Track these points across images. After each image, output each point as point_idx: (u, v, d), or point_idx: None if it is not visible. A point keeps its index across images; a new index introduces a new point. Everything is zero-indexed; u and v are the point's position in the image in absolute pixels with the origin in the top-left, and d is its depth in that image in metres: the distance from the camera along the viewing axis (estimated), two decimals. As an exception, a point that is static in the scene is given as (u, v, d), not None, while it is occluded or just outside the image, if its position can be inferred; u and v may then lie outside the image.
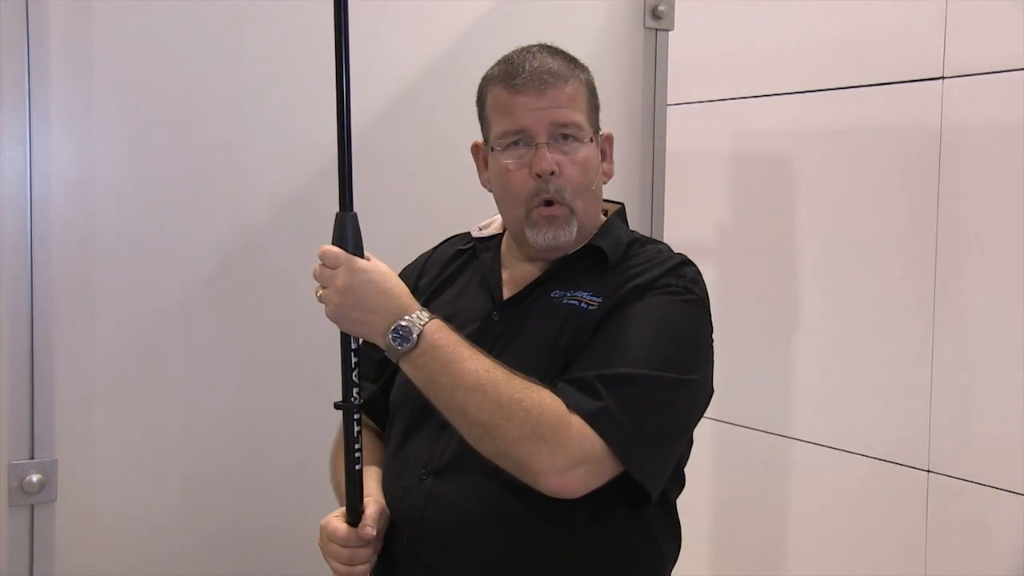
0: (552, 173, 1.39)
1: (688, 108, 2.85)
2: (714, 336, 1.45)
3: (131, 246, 1.70)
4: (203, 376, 1.77)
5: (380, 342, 1.28)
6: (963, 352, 2.28)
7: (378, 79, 1.89)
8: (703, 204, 2.86)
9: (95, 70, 1.66)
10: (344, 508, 1.37)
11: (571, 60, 1.46)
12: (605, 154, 1.50)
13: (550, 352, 1.38)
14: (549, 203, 1.41)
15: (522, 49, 1.45)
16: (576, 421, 1.26)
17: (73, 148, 1.65)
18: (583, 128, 1.42)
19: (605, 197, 1.54)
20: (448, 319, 1.32)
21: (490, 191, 1.50)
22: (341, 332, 1.32)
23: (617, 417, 1.28)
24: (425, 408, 1.34)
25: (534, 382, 1.28)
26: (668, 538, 1.47)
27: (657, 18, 2.15)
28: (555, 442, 1.25)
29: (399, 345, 1.27)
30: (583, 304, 1.39)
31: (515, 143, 1.41)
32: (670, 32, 2.18)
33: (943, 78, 2.30)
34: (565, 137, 1.41)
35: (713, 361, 1.44)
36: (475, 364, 1.27)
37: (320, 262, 1.30)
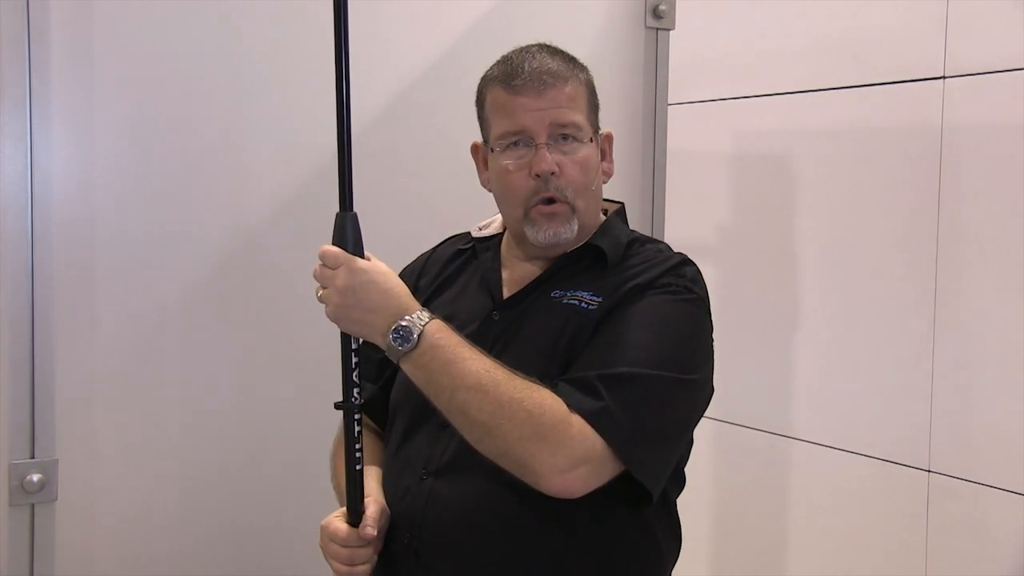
0: (552, 173, 1.39)
1: (688, 108, 2.85)
2: (714, 336, 1.45)
3: (131, 246, 1.70)
4: (203, 376, 1.77)
5: (380, 342, 1.28)
6: (963, 352, 2.28)
7: (378, 79, 1.89)
8: (703, 204, 2.86)
9: (96, 69, 1.66)
10: (344, 508, 1.37)
11: (570, 60, 1.45)
12: (605, 154, 1.50)
13: (550, 352, 1.38)
14: (550, 201, 1.41)
15: (521, 49, 1.45)
16: (577, 421, 1.26)
17: (73, 147, 1.65)
18: (583, 128, 1.42)
19: (605, 196, 1.54)
20: (448, 319, 1.32)
21: (490, 191, 1.50)
22: (341, 332, 1.32)
23: (618, 417, 1.28)
24: (425, 408, 1.34)
25: (535, 382, 1.28)
26: (668, 538, 1.47)
27: (658, 18, 2.15)
28: (556, 442, 1.25)
29: (399, 345, 1.27)
30: (583, 304, 1.39)
31: (515, 144, 1.41)
32: (671, 32, 2.18)
33: (944, 78, 2.30)
34: (565, 137, 1.41)
35: (713, 360, 1.44)
36: (476, 364, 1.27)
37: (320, 262, 1.30)
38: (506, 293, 1.47)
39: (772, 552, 2.72)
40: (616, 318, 1.37)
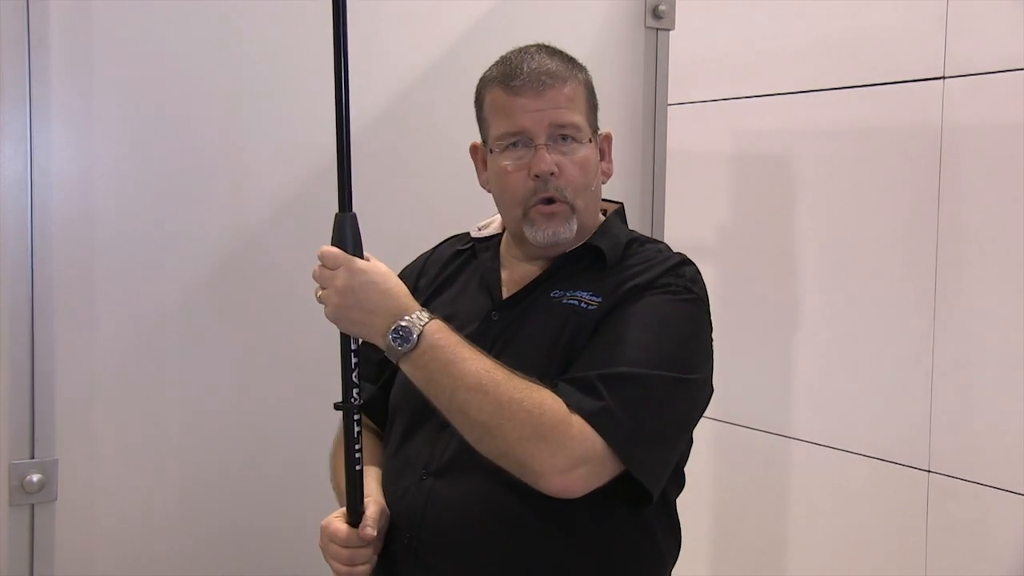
0: (552, 174, 1.39)
1: (688, 108, 2.85)
2: (714, 336, 1.45)
3: (131, 246, 1.70)
4: (203, 376, 1.77)
5: (380, 343, 1.29)
6: (963, 352, 2.28)
7: (378, 79, 1.89)
8: (703, 204, 2.86)
9: (95, 70, 1.66)
10: (344, 509, 1.37)
11: (569, 60, 1.45)
12: (604, 154, 1.50)
13: (550, 352, 1.38)
14: (549, 201, 1.41)
15: (520, 50, 1.45)
16: (577, 421, 1.26)
17: (73, 148, 1.65)
18: (582, 129, 1.42)
19: (605, 197, 1.54)
20: (448, 319, 1.32)
21: (489, 192, 1.50)
22: (341, 333, 1.32)
23: (618, 417, 1.28)
24: (425, 408, 1.34)
25: (534, 382, 1.28)
26: (668, 538, 1.47)
27: (658, 18, 2.15)
28: (556, 442, 1.25)
29: (399, 345, 1.27)
30: (583, 304, 1.39)
31: (514, 144, 1.41)
32: (671, 32, 2.18)
33: (944, 78, 2.30)
34: (564, 138, 1.41)
35: (713, 360, 1.44)
36: (476, 364, 1.27)
37: (320, 263, 1.30)
38: (505, 293, 1.47)
39: (772, 552, 2.72)
40: (616, 318, 1.37)
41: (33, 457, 1.61)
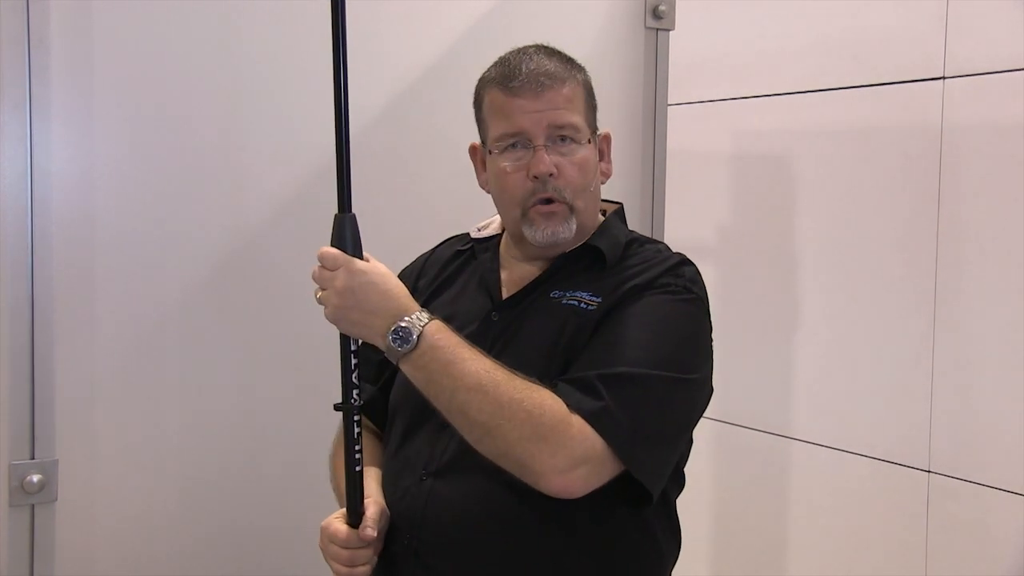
0: (551, 175, 1.39)
1: (688, 108, 2.85)
2: (714, 336, 1.45)
3: (131, 246, 1.70)
4: (203, 376, 1.77)
5: (380, 343, 1.28)
6: (963, 352, 2.28)
7: (377, 79, 1.89)
8: (703, 204, 2.86)
9: (95, 70, 1.66)
10: (344, 509, 1.37)
11: (568, 61, 1.45)
12: (603, 154, 1.50)
13: (549, 352, 1.38)
14: (548, 201, 1.41)
15: (518, 50, 1.45)
16: (577, 421, 1.26)
17: (73, 148, 1.65)
18: (580, 129, 1.42)
19: (605, 197, 1.54)
20: (447, 320, 1.32)
21: (488, 192, 1.50)
22: (340, 334, 1.32)
23: (617, 417, 1.28)
24: (425, 409, 1.34)
25: (534, 382, 1.28)
26: (668, 538, 1.47)
27: (658, 18, 2.15)
28: (556, 442, 1.25)
29: (399, 346, 1.27)
30: (582, 304, 1.39)
31: (513, 145, 1.41)
32: (671, 32, 2.18)
33: (944, 78, 2.30)
34: (563, 139, 1.41)
35: (712, 360, 1.44)
36: (475, 365, 1.27)
37: (319, 264, 1.30)
38: (505, 294, 1.47)
39: (772, 552, 2.72)
40: (615, 318, 1.37)
41: (33, 457, 1.61)
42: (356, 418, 1.34)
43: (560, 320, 1.39)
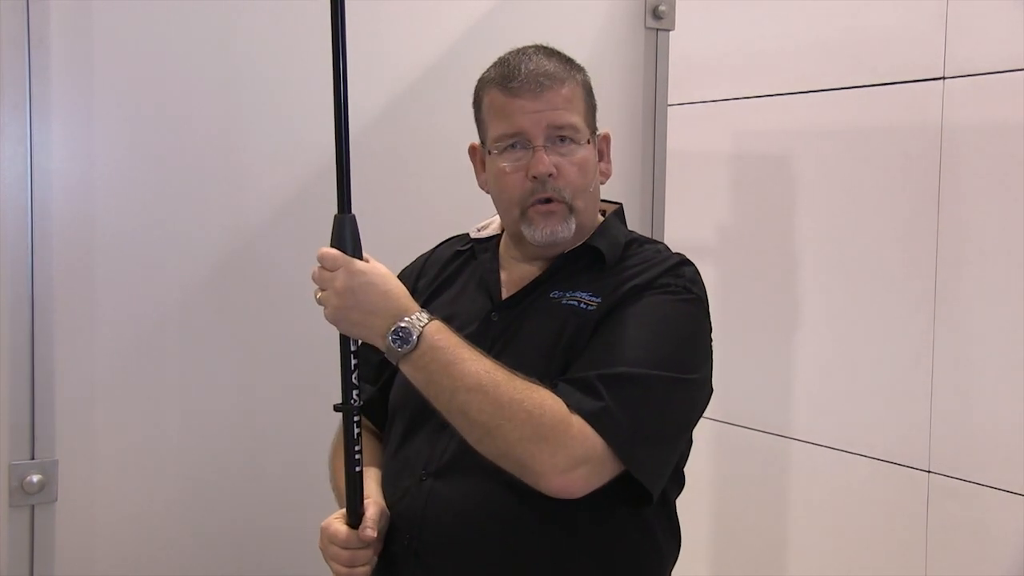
0: (550, 175, 1.39)
1: (688, 108, 2.85)
2: (714, 336, 1.45)
3: (131, 246, 1.70)
4: (203, 376, 1.77)
5: (380, 344, 1.28)
6: (963, 352, 2.28)
7: (377, 79, 1.89)
8: (703, 204, 2.86)
9: (95, 70, 1.66)
10: (344, 510, 1.37)
11: (567, 61, 1.45)
12: (603, 154, 1.50)
13: (549, 352, 1.38)
14: (547, 200, 1.41)
15: (518, 51, 1.45)
16: (577, 421, 1.27)
17: (73, 148, 1.65)
18: (580, 130, 1.42)
19: (605, 197, 1.54)
20: (447, 320, 1.32)
21: (487, 193, 1.50)
22: (340, 334, 1.32)
23: (617, 417, 1.28)
24: (425, 409, 1.34)
25: (534, 383, 1.28)
26: (668, 538, 1.47)
27: (658, 18, 2.15)
28: (556, 442, 1.25)
29: (399, 347, 1.27)
30: (582, 304, 1.39)
31: (512, 146, 1.41)
32: (671, 32, 2.18)
33: (944, 78, 2.30)
34: (562, 139, 1.41)
35: (712, 360, 1.44)
36: (476, 365, 1.27)
37: (319, 264, 1.30)
38: (505, 294, 1.47)
39: (772, 552, 2.72)
40: (615, 318, 1.37)
41: (33, 458, 1.61)
42: (356, 419, 1.34)
43: (560, 320, 1.39)
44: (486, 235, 1.56)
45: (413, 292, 1.38)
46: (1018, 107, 2.16)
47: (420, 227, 1.78)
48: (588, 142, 1.44)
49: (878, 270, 2.45)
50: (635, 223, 1.98)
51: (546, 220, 1.42)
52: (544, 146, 1.40)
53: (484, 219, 1.59)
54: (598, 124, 1.49)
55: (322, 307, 1.31)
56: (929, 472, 2.34)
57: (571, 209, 1.42)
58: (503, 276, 1.50)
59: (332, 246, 1.30)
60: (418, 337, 1.27)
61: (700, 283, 1.43)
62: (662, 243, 1.53)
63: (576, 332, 1.37)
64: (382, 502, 1.41)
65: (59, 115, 1.63)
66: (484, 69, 1.47)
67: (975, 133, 2.26)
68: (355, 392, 1.33)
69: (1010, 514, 2.18)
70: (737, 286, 2.77)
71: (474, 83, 1.48)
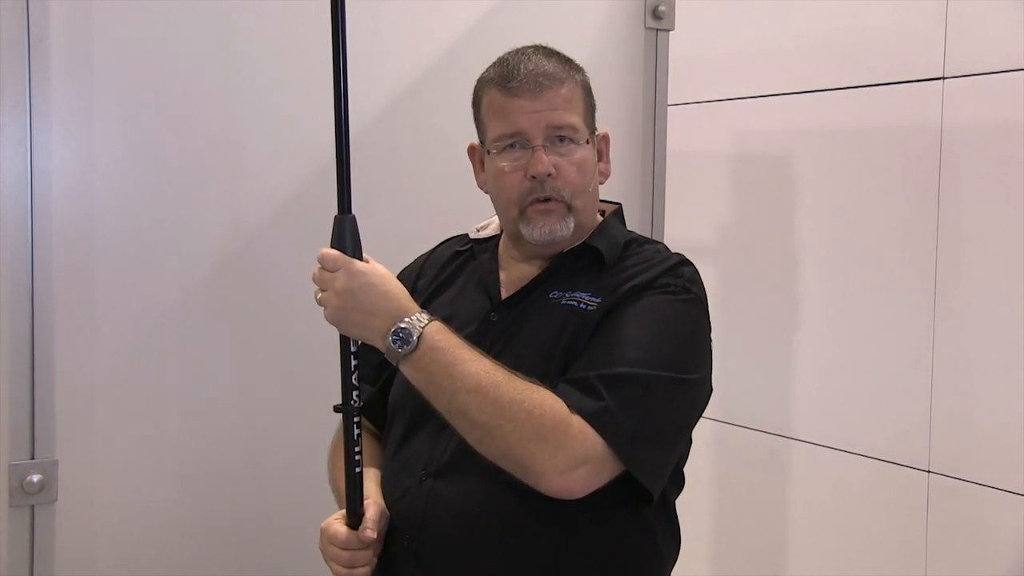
0: (549, 175, 1.39)
1: (688, 108, 2.85)
2: (714, 336, 1.45)
3: (131, 246, 1.70)
4: (203, 376, 1.77)
5: (380, 344, 1.28)
6: (963, 352, 2.28)
7: (377, 79, 1.89)
8: (703, 204, 2.86)
9: (95, 70, 1.66)
10: (344, 510, 1.37)
11: (566, 61, 1.45)
12: (602, 154, 1.50)
13: (549, 353, 1.38)
14: (546, 199, 1.41)
15: (517, 51, 1.45)
16: (577, 421, 1.27)
17: (73, 148, 1.65)
18: (579, 130, 1.42)
19: (605, 197, 1.54)
20: (446, 320, 1.32)
21: (487, 193, 1.50)
22: (340, 335, 1.32)
23: (618, 417, 1.28)
24: (425, 409, 1.34)
25: (534, 383, 1.28)
26: (668, 539, 1.47)
27: (657, 18, 2.15)
28: (556, 442, 1.25)
29: (399, 347, 1.27)
30: (582, 305, 1.39)
31: (511, 146, 1.41)
32: (670, 32, 2.18)
33: (944, 78, 2.30)
34: (561, 139, 1.41)
35: (712, 360, 1.44)
36: (476, 366, 1.27)
37: (319, 265, 1.30)
38: (504, 294, 1.47)
39: (772, 552, 2.72)
40: (615, 318, 1.37)
41: (33, 458, 1.61)
42: (356, 419, 1.34)
43: (560, 320, 1.39)
44: (485, 235, 1.56)
45: (412, 292, 1.38)
46: (1018, 107, 2.16)
47: (420, 227, 1.78)
48: (587, 142, 1.44)
49: (878, 270, 2.45)
50: (635, 223, 1.98)
51: (544, 219, 1.42)
52: (543, 146, 1.40)
53: (483, 219, 1.59)
54: (597, 124, 1.49)
55: (322, 308, 1.31)
56: (929, 472, 2.35)
57: (570, 208, 1.42)
58: (502, 276, 1.50)
59: (332, 247, 1.30)
60: (418, 338, 1.27)
61: (700, 283, 1.43)
62: (661, 243, 1.53)
63: (576, 332, 1.37)
64: (382, 503, 1.41)
65: (59, 115, 1.63)
66: (484, 69, 1.47)
67: (975, 133, 2.26)
68: (355, 393, 1.33)
69: (1010, 514, 2.19)
70: (737, 286, 2.77)
71: (474, 83, 1.48)
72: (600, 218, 1.52)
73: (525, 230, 1.43)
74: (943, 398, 2.31)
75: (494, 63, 1.46)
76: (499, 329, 1.43)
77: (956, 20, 2.28)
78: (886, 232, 2.43)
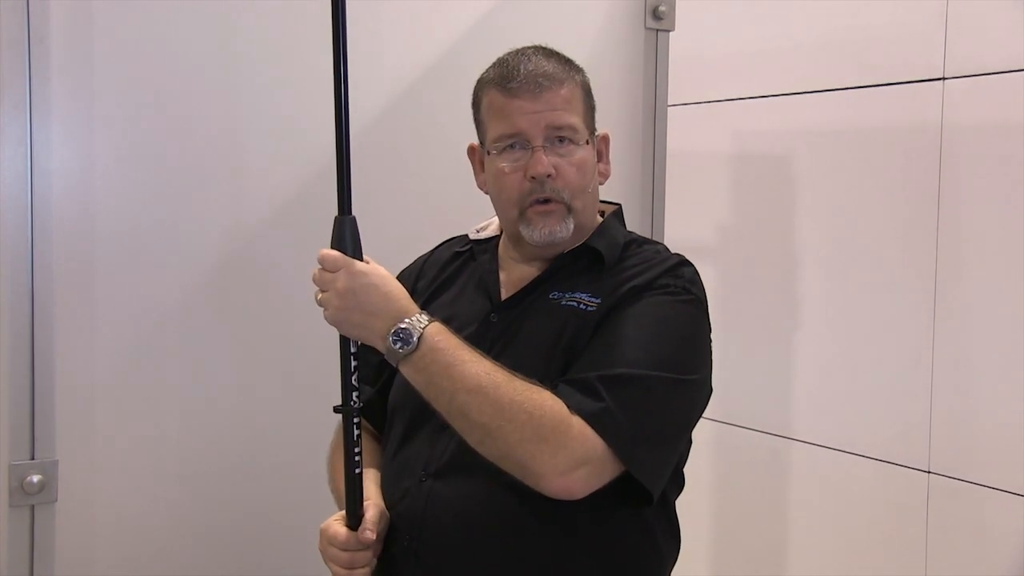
0: (549, 176, 1.39)
1: (688, 108, 2.85)
2: (714, 336, 1.45)
3: (131, 246, 1.70)
4: (203, 376, 1.77)
5: (380, 345, 1.28)
6: (963, 352, 2.28)
7: (377, 79, 1.88)
8: (703, 204, 2.86)
9: (96, 70, 1.66)
10: (344, 511, 1.37)
11: (566, 62, 1.45)
12: (601, 154, 1.50)
13: (549, 353, 1.38)
14: (546, 200, 1.41)
15: (517, 51, 1.45)
16: (577, 422, 1.27)
17: (73, 148, 1.65)
18: (579, 130, 1.42)
19: (605, 197, 1.54)
20: (446, 321, 1.33)
21: (486, 193, 1.50)
22: (340, 336, 1.32)
23: (617, 418, 1.28)
24: (424, 410, 1.34)
25: (534, 383, 1.29)
26: (668, 539, 1.47)
27: (658, 19, 2.15)
28: (556, 443, 1.25)
29: (399, 348, 1.27)
30: (582, 305, 1.39)
31: (511, 146, 1.41)
32: (671, 32, 2.18)
33: (944, 79, 2.30)
34: (561, 140, 1.41)
35: (712, 361, 1.44)
36: (476, 367, 1.27)
37: (320, 266, 1.30)
38: (504, 295, 1.47)
39: (772, 552, 2.72)
40: (615, 319, 1.37)
41: (33, 458, 1.61)
42: (356, 420, 1.34)
43: (560, 321, 1.39)
44: (485, 236, 1.56)
45: (412, 293, 1.38)
46: (1018, 107, 2.16)
47: (420, 227, 1.78)
48: (587, 143, 1.44)
49: (878, 270, 2.45)
50: (635, 223, 1.98)
51: (544, 220, 1.41)
52: (543, 147, 1.40)
53: (483, 220, 1.59)
54: (598, 124, 1.49)
55: (322, 308, 1.31)
56: (929, 472, 2.35)
57: (569, 209, 1.42)
58: (502, 277, 1.50)
59: (332, 247, 1.30)
60: (418, 339, 1.27)
61: (699, 283, 1.43)
62: (661, 243, 1.53)
63: (576, 333, 1.37)
64: (381, 504, 1.41)
65: (59, 115, 1.63)
66: (484, 69, 1.47)
67: (975, 133, 2.26)
68: (355, 394, 1.33)
69: (1010, 514, 2.19)
70: (737, 286, 2.77)
71: (474, 83, 1.48)
72: (600, 219, 1.52)
73: (525, 231, 1.43)
74: (943, 398, 2.31)
75: (494, 63, 1.46)
76: (499, 330, 1.43)
77: (956, 20, 2.28)
78: (886, 232, 2.43)
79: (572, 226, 1.43)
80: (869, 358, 2.47)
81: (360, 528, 1.34)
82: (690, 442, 1.46)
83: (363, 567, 1.36)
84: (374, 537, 1.34)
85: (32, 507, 1.61)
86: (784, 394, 2.68)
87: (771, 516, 2.72)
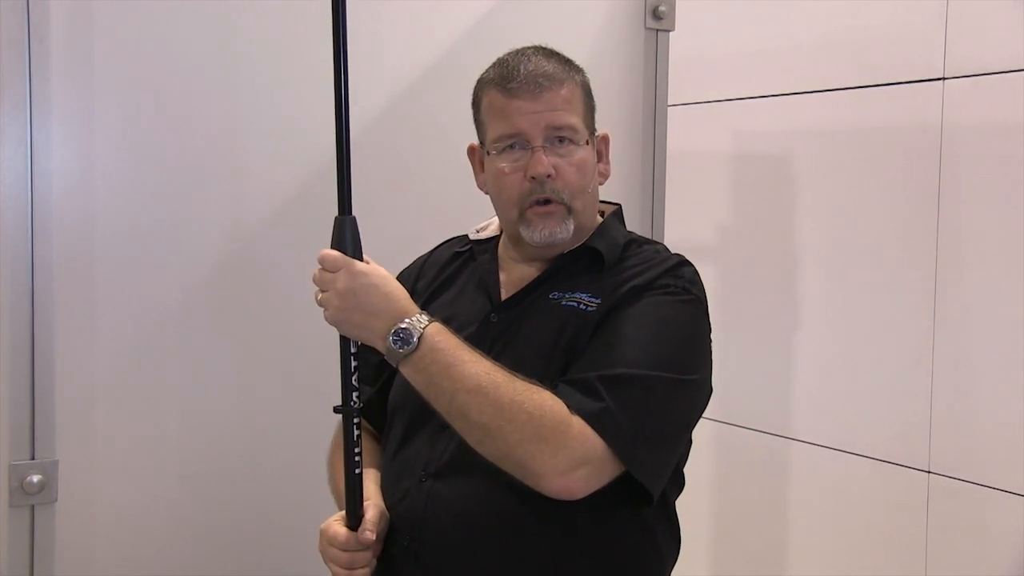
0: (548, 176, 1.39)
1: (688, 108, 2.85)
2: (714, 336, 1.45)
3: (131, 246, 1.70)
4: (203, 376, 1.77)
5: (380, 345, 1.28)
6: (963, 352, 2.28)
7: (377, 79, 1.88)
8: (703, 204, 2.86)
9: (95, 70, 1.66)
10: (343, 512, 1.37)
11: (566, 62, 1.45)
12: (601, 155, 1.50)
13: (549, 353, 1.38)
14: (545, 201, 1.41)
15: (517, 51, 1.45)
16: (577, 422, 1.27)
17: (73, 148, 1.65)
18: (579, 131, 1.42)
19: (605, 197, 1.54)
20: (446, 321, 1.33)
21: (486, 193, 1.50)
22: (340, 336, 1.32)
23: (618, 418, 1.28)
24: (424, 410, 1.34)
25: (534, 384, 1.29)
26: (668, 539, 1.47)
27: (658, 19, 2.15)
28: (556, 443, 1.25)
29: (399, 348, 1.27)
30: (582, 305, 1.39)
31: (511, 146, 1.41)
32: (671, 33, 2.18)
33: (944, 79, 2.30)
34: (561, 140, 1.41)
35: (712, 361, 1.44)
36: (476, 367, 1.27)
37: (320, 266, 1.30)
38: (504, 295, 1.47)
39: (772, 552, 2.72)
40: (615, 319, 1.37)
41: (33, 458, 1.61)
42: (356, 421, 1.34)
43: (560, 321, 1.39)
44: (485, 236, 1.56)
45: (412, 294, 1.38)
46: (1018, 107, 2.16)
47: (420, 227, 1.78)
48: (587, 143, 1.44)
49: (878, 270, 2.45)
50: (635, 223, 1.98)
51: (544, 221, 1.42)
52: (543, 147, 1.40)
53: (483, 220, 1.59)
54: (598, 124, 1.49)
55: (322, 308, 1.31)
56: (929, 472, 2.35)
57: (569, 210, 1.42)
58: (502, 277, 1.50)
59: (332, 247, 1.30)
60: (418, 339, 1.27)
61: (699, 284, 1.43)
62: (661, 244, 1.53)
63: (576, 333, 1.37)
64: (381, 504, 1.41)
65: (59, 115, 1.63)
66: (484, 69, 1.47)
67: (975, 133, 2.26)
68: (355, 394, 1.33)
69: (1010, 514, 2.19)
70: (737, 286, 2.77)
71: (474, 83, 1.48)
72: (600, 219, 1.52)
73: (525, 232, 1.43)
74: (943, 398, 2.31)
75: (494, 64, 1.46)
76: (499, 330, 1.43)
77: (956, 20, 2.28)
78: (886, 232, 2.43)
79: (572, 227, 1.43)
80: (869, 358, 2.47)
81: (360, 528, 1.34)
82: (690, 442, 1.46)
83: (363, 567, 1.36)
84: (374, 537, 1.34)
85: (32, 507, 1.61)
86: (784, 394, 2.68)
87: (771, 516, 2.72)
